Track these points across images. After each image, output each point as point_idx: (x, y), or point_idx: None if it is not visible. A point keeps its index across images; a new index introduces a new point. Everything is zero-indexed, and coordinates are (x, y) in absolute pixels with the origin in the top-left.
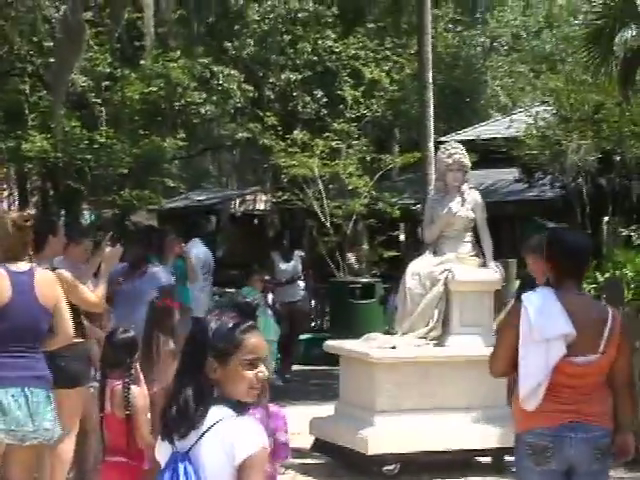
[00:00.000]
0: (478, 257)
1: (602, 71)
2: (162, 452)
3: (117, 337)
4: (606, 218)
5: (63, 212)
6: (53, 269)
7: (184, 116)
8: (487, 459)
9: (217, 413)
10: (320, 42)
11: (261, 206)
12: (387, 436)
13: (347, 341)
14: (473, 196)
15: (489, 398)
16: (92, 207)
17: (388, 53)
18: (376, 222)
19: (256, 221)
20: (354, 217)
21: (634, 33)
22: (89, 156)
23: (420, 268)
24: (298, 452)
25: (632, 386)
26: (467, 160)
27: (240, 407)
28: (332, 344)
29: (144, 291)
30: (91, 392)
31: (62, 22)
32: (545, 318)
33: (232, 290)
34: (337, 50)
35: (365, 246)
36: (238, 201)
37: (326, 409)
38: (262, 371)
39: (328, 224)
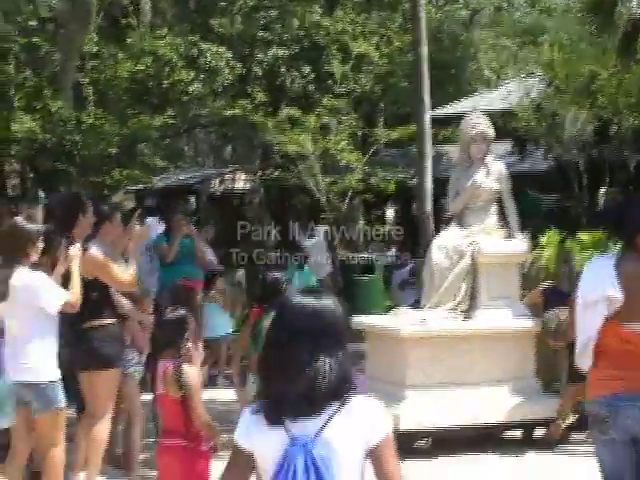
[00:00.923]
0: (504, 229)
1: (602, 41)
2: (269, 439)
3: (166, 316)
4: (603, 189)
5: (42, 195)
6: (84, 249)
7: (172, 94)
8: (517, 432)
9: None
10: (307, 17)
11: (240, 185)
12: (418, 411)
13: (375, 316)
14: (497, 167)
15: (518, 371)
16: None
17: (375, 27)
18: (372, 197)
19: (236, 200)
20: (349, 193)
21: (636, 3)
22: (77, 137)
23: (446, 241)
24: None
25: None
26: (491, 131)
27: None
28: (361, 320)
29: None
30: (135, 376)
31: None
32: (591, 281)
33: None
34: (325, 25)
35: (361, 222)
36: (217, 180)
37: None
38: None
39: (323, 200)
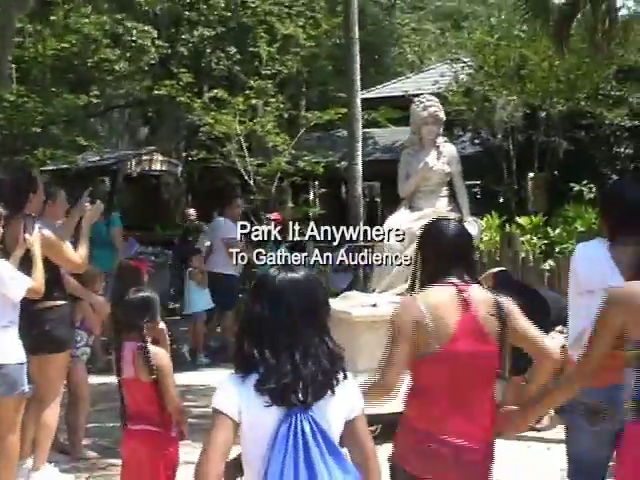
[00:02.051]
0: (455, 212)
1: (532, 26)
2: (263, 410)
3: (128, 298)
4: (531, 174)
5: None
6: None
7: (97, 73)
8: None
9: None
10: None
11: (158, 166)
12: None
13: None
14: (449, 149)
15: None
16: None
17: (302, 9)
18: (300, 180)
19: (153, 181)
20: (278, 175)
21: None
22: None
23: (398, 224)
24: None
25: None
26: (442, 113)
27: None
28: None
29: None
30: (83, 358)
31: None
32: (590, 269)
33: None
34: (253, 5)
35: (290, 204)
36: (134, 161)
37: None
38: None
39: (252, 182)
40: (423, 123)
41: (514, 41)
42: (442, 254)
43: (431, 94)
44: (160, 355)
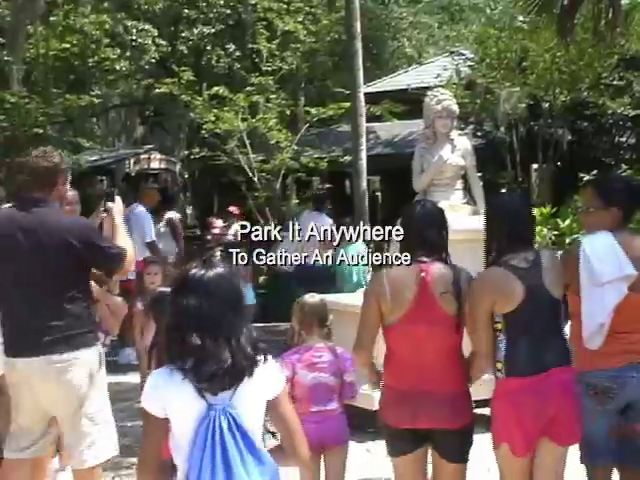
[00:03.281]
0: (470, 205)
1: (541, 17)
2: (187, 404)
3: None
4: (535, 166)
5: None
6: None
7: (98, 73)
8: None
9: None
10: None
11: (156, 165)
12: None
13: (342, 295)
14: (463, 143)
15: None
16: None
17: (301, 5)
18: (305, 176)
19: (152, 180)
20: (282, 171)
21: None
22: (1, 117)
23: None
24: None
25: None
26: (456, 106)
27: None
28: (336, 299)
29: None
30: None
31: None
32: (604, 261)
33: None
34: (252, 2)
35: (294, 200)
36: (132, 160)
37: None
38: None
39: (256, 179)
40: (437, 117)
41: (516, 33)
42: (409, 234)
43: (433, 87)
44: None
